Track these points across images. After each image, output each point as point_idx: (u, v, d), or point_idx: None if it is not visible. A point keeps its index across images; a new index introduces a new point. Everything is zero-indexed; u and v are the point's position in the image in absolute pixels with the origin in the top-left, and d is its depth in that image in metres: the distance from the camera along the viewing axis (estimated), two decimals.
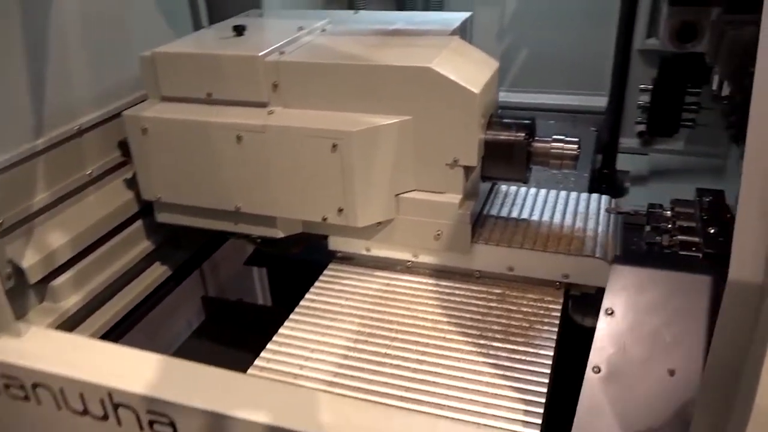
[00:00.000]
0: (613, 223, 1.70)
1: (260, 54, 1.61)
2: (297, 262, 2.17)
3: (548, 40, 2.68)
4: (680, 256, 1.10)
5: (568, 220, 1.71)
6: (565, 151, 1.59)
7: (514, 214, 1.76)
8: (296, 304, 1.65)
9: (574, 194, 1.84)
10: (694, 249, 1.12)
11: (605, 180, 2.48)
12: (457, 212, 1.60)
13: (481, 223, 1.71)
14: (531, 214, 1.75)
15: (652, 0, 2.36)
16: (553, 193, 1.86)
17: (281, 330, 1.55)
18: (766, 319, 0.73)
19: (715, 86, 1.82)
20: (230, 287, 2.96)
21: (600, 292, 1.58)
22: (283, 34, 1.75)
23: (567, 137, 1.61)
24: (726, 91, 1.70)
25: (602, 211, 1.75)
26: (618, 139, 2.40)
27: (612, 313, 1.09)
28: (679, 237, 1.15)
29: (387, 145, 1.56)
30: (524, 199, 1.83)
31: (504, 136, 1.60)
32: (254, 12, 2.12)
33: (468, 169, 1.60)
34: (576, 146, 1.59)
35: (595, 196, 1.83)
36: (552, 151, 1.60)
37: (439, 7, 2.72)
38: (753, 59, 1.52)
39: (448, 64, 1.52)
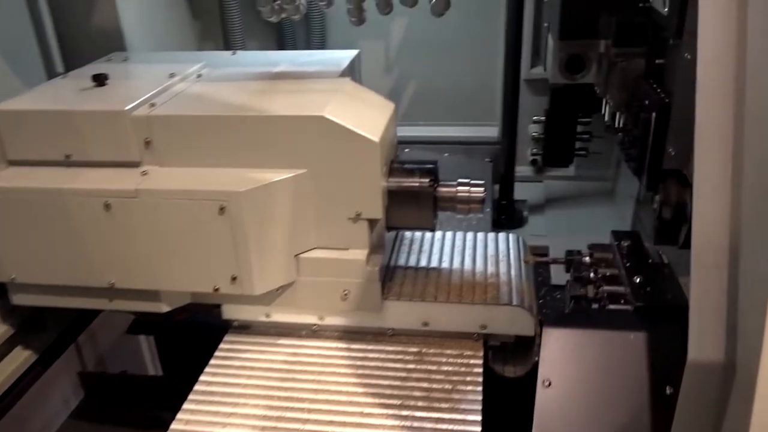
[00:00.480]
0: (524, 269, 1.64)
1: (127, 108, 1.41)
2: (190, 324, 1.95)
3: (436, 72, 2.64)
4: (611, 312, 1.04)
5: (480, 265, 1.63)
6: (472, 195, 1.51)
7: (424, 263, 1.65)
8: (191, 371, 1.45)
9: (481, 235, 1.77)
10: (623, 302, 1.06)
11: (504, 211, 2.45)
12: (365, 269, 1.46)
13: (390, 276, 1.59)
14: (441, 262, 1.65)
15: (534, 32, 2.38)
16: (459, 235, 1.78)
17: (173, 426, 1.33)
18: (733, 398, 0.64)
19: (607, 117, 1.83)
20: (113, 358, 2.64)
21: (520, 340, 1.51)
22: (153, 83, 1.55)
23: (472, 180, 1.53)
24: (620, 122, 1.71)
25: (512, 252, 1.69)
26: (514, 170, 2.39)
27: (549, 384, 1.00)
28: (605, 288, 1.09)
29: (282, 203, 1.40)
30: (431, 245, 1.73)
31: (408, 183, 1.49)
32: (118, 56, 1.89)
33: (372, 222, 1.47)
34: (482, 189, 1.51)
35: (502, 236, 1.76)
36: (458, 195, 1.51)
37: (322, 44, 2.60)
38: (642, 91, 1.51)
39: (342, 111, 1.39)
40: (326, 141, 1.36)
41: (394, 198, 1.49)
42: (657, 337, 0.97)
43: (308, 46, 2.59)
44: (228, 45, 2.52)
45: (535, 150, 2.60)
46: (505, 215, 2.43)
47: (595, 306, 1.09)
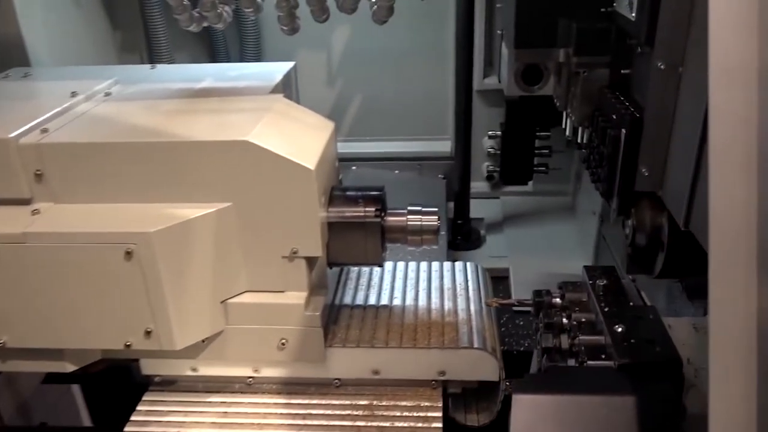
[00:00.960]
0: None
1: (12, 135, 1.18)
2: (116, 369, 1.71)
3: (383, 84, 2.46)
4: (591, 372, 0.88)
5: (436, 301, 1.45)
6: (424, 225, 1.34)
7: (372, 300, 1.47)
8: (122, 420, 1.28)
9: (436, 266, 1.60)
10: (603, 356, 0.90)
11: (460, 231, 2.29)
12: (304, 314, 1.27)
13: (334, 318, 1.40)
14: (392, 298, 1.47)
15: (486, 39, 2.23)
16: (412, 266, 1.60)
17: None
18: None
19: (569, 132, 1.68)
20: (34, 408, 2.36)
21: (483, 385, 1.34)
22: (50, 103, 1.33)
23: (424, 208, 1.36)
24: (584, 137, 1.56)
25: (471, 284, 1.52)
26: (469, 187, 2.23)
27: None
28: (582, 338, 0.93)
29: (203, 243, 1.19)
30: (381, 278, 1.55)
31: (351, 213, 1.30)
32: (17, 71, 1.65)
33: (311, 260, 1.28)
34: (435, 218, 1.34)
35: (459, 265, 1.59)
36: (409, 225, 1.33)
37: (257, 56, 2.39)
38: (608, 105, 1.36)
39: (272, 134, 1.20)
40: (253, 170, 1.17)
41: (336, 231, 1.31)
42: (646, 399, 0.82)
43: (243, 59, 2.38)
44: (153, 58, 2.29)
45: (490, 165, 2.45)
46: (461, 236, 2.27)
47: (571, 361, 0.93)
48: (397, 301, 1.46)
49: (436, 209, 1.35)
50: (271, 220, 1.21)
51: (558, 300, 1.08)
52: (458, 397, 1.38)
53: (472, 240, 2.30)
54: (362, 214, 1.31)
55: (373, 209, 1.31)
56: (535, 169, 1.96)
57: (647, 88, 1.22)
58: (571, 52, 1.43)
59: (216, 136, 1.17)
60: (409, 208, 1.35)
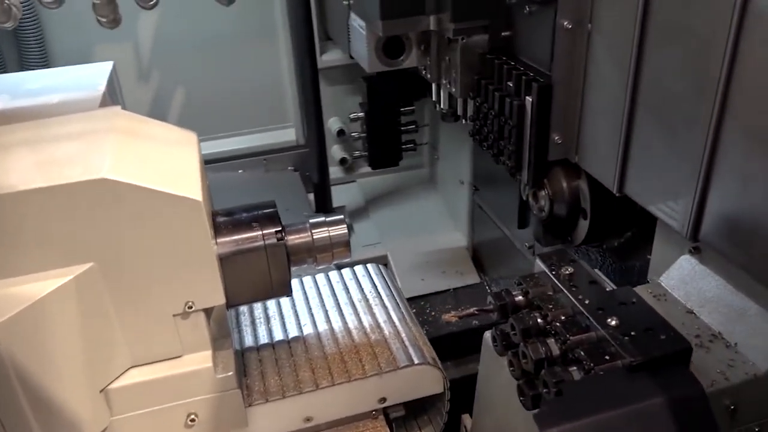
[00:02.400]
0: (402, 302, 1.33)
1: None
2: None
3: (207, 75, 2.14)
4: (609, 379, 0.77)
5: (352, 319, 1.27)
6: (333, 237, 1.13)
7: (279, 335, 1.24)
8: None
9: (334, 275, 1.41)
10: (608, 357, 0.80)
11: None
12: (215, 378, 1.02)
13: (242, 369, 1.15)
14: (300, 326, 1.26)
15: (319, 11, 2.02)
16: (308, 282, 1.40)
17: None
18: None
19: (444, 104, 1.57)
20: None
21: (426, 399, 1.21)
22: None
23: (328, 217, 1.15)
24: (467, 109, 1.46)
25: (381, 287, 1.36)
26: (328, 176, 2.04)
27: None
28: (573, 338, 0.82)
29: (63, 323, 0.88)
30: (278, 305, 1.32)
31: (248, 241, 1.06)
32: None
33: (209, 310, 1.02)
34: (344, 227, 1.15)
35: (360, 269, 1.43)
36: (317, 242, 1.12)
37: (42, 60, 1.92)
38: (496, 71, 1.27)
39: (131, 163, 0.91)
40: (117, 214, 0.88)
41: (231, 266, 1.05)
42: (677, 393, 0.74)
43: (24, 67, 1.90)
44: None
45: (341, 148, 2.28)
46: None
47: (576, 372, 0.82)
48: (308, 329, 1.25)
49: (341, 217, 1.16)
50: (153, 274, 0.93)
51: (521, 298, 0.96)
52: (401, 420, 1.23)
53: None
54: (260, 239, 1.07)
55: (273, 230, 1.08)
56: (403, 147, 1.84)
57: (548, 49, 1.14)
58: (448, 18, 1.30)
59: (55, 179, 0.86)
60: (311, 221, 1.14)
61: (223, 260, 1.04)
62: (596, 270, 1.04)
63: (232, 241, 1.05)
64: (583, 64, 1.09)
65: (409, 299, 1.88)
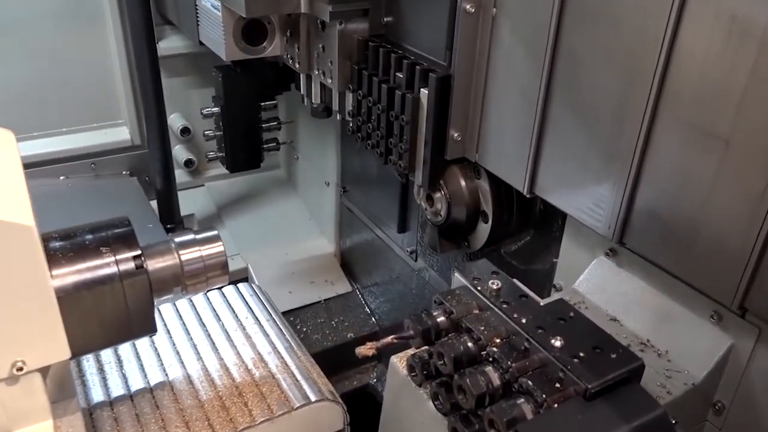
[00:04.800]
0: (284, 326, 1.15)
1: None
2: None
3: (13, 65, 1.75)
4: (567, 412, 0.66)
5: (228, 353, 1.07)
6: (207, 259, 0.93)
7: (138, 382, 1.00)
8: None
9: (199, 300, 1.19)
10: (558, 386, 0.70)
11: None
12: None
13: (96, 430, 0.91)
14: (164, 368, 1.03)
15: None
16: (168, 309, 1.16)
17: None
18: None
19: (315, 99, 1.40)
20: None
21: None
22: None
23: (198, 234, 0.94)
24: (344, 102, 1.30)
25: (256, 307, 1.18)
26: (174, 180, 1.78)
27: None
28: (515, 365, 0.71)
29: None
30: (132, 341, 1.08)
31: (97, 273, 0.82)
32: None
33: (46, 368, 0.77)
34: (220, 245, 0.94)
35: (229, 291, 1.22)
36: (187, 266, 0.91)
37: None
38: (380, 58, 1.13)
39: None
40: None
41: (73, 306, 0.81)
42: (641, 419, 0.66)
43: None
44: None
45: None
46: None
47: (525, 405, 0.70)
48: (174, 371, 1.02)
49: (214, 232, 0.95)
50: None
51: (444, 319, 0.83)
52: None
53: None
54: (114, 267, 0.83)
55: (129, 255, 0.85)
56: (264, 146, 1.63)
57: (441, 36, 1.02)
58: (328, 2, 1.14)
59: None
60: (177, 240, 0.92)
61: (64, 299, 0.80)
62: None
63: (74, 272, 0.81)
64: (486, 52, 0.99)
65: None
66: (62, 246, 0.83)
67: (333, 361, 1.72)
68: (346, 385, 1.74)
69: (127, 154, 1.91)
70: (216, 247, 0.94)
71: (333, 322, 1.77)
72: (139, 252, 0.85)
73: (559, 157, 0.93)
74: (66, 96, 1.83)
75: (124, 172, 1.92)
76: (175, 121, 1.96)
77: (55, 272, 0.80)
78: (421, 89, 1.06)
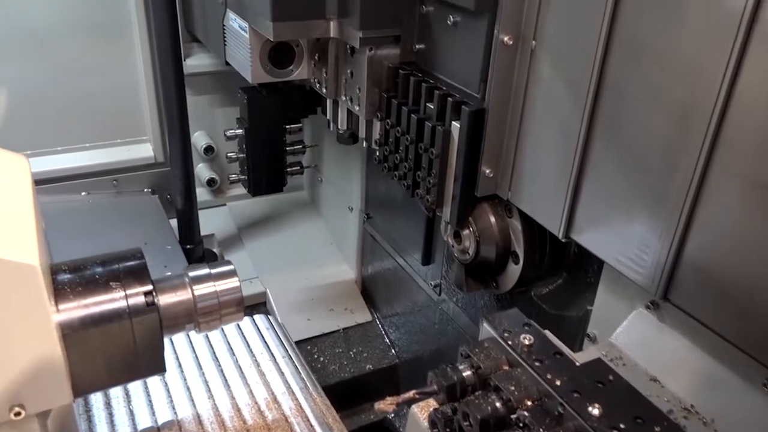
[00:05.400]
0: (300, 364, 1.10)
1: None
2: None
3: (39, 76, 1.74)
4: None
5: (242, 392, 1.02)
6: (222, 295, 0.88)
7: (146, 420, 0.96)
8: None
9: (216, 335, 1.14)
10: None
11: (191, 257, 1.79)
12: None
13: None
14: (173, 406, 0.98)
15: (183, 8, 1.72)
16: (180, 340, 1.12)
17: None
18: None
19: (341, 124, 1.35)
20: None
21: None
22: None
23: (213, 269, 0.90)
24: (371, 130, 1.26)
25: (272, 342, 1.12)
26: (195, 200, 1.74)
27: None
28: None
29: None
30: None
31: (105, 308, 0.78)
32: None
33: (46, 412, 0.73)
34: (236, 280, 0.90)
35: (246, 323, 1.17)
36: (200, 303, 0.86)
37: None
38: (411, 86, 1.09)
39: None
40: None
41: (79, 343, 0.77)
42: None
43: None
44: None
45: (207, 166, 1.98)
46: (194, 263, 1.78)
47: None
48: (184, 409, 0.98)
49: (231, 267, 0.91)
50: None
51: (470, 374, 0.78)
52: None
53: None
54: (123, 302, 0.79)
55: (140, 290, 0.81)
56: (288, 170, 1.59)
57: (475, 67, 0.97)
58: (354, 24, 1.10)
59: None
60: (191, 274, 0.88)
61: (69, 336, 0.76)
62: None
63: (81, 307, 0.77)
64: (524, 85, 0.94)
65: (294, 344, 1.65)
66: (71, 279, 0.79)
67: (350, 393, 1.67)
68: (363, 419, 1.68)
69: (150, 172, 1.89)
70: (231, 283, 0.89)
71: (351, 353, 1.71)
72: (150, 287, 0.81)
73: (599, 201, 0.87)
74: (91, 111, 1.82)
75: (145, 190, 1.89)
76: (199, 140, 1.94)
77: (61, 306, 0.76)
78: (453, 122, 1.01)
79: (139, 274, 0.82)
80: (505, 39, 0.92)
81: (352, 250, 1.85)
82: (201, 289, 0.87)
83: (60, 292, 0.77)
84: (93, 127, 1.84)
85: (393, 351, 1.74)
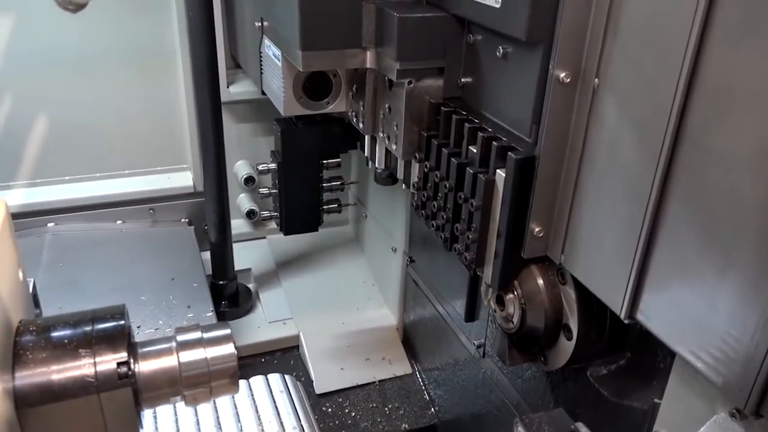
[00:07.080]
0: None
1: None
2: None
3: (79, 100, 1.71)
4: None
5: None
6: (213, 364, 0.76)
7: None
8: None
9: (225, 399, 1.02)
10: None
11: (223, 293, 1.70)
12: None
13: None
14: None
15: (228, 32, 1.65)
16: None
17: None
18: None
19: (379, 162, 1.23)
20: None
21: None
22: None
23: (206, 332, 0.78)
24: (409, 172, 1.12)
25: (299, 407, 0.99)
26: (230, 232, 1.65)
27: None
28: None
29: None
30: None
31: (67, 379, 0.67)
32: None
33: None
34: (231, 347, 0.78)
35: (257, 382, 1.05)
36: (186, 373, 0.74)
37: None
38: (454, 126, 0.94)
39: None
40: None
41: (36, 420, 0.66)
42: None
43: None
44: None
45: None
46: (227, 300, 1.69)
47: None
48: None
49: (227, 331, 0.78)
50: None
51: None
52: None
53: (241, 303, 1.73)
54: (90, 372, 0.68)
55: (111, 358, 0.69)
56: (324, 209, 1.48)
57: (528, 107, 0.83)
58: (391, 54, 0.97)
59: None
60: (179, 338, 0.76)
61: (25, 411, 0.65)
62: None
63: (40, 375, 0.66)
64: (583, 131, 0.78)
65: (325, 395, 1.52)
66: (35, 342, 0.69)
67: None
68: None
69: (187, 201, 1.82)
70: (225, 349, 0.77)
71: (387, 409, 1.56)
72: (125, 356, 0.69)
73: (672, 276, 0.69)
74: (130, 137, 1.77)
75: (182, 220, 1.82)
76: (240, 169, 1.86)
77: (18, 374, 0.66)
78: (498, 170, 0.86)
79: (113, 340, 0.71)
80: (562, 75, 0.77)
81: (394, 294, 1.71)
82: (189, 356, 0.75)
83: (20, 356, 0.67)
84: (133, 154, 1.79)
85: (432, 409, 1.58)
